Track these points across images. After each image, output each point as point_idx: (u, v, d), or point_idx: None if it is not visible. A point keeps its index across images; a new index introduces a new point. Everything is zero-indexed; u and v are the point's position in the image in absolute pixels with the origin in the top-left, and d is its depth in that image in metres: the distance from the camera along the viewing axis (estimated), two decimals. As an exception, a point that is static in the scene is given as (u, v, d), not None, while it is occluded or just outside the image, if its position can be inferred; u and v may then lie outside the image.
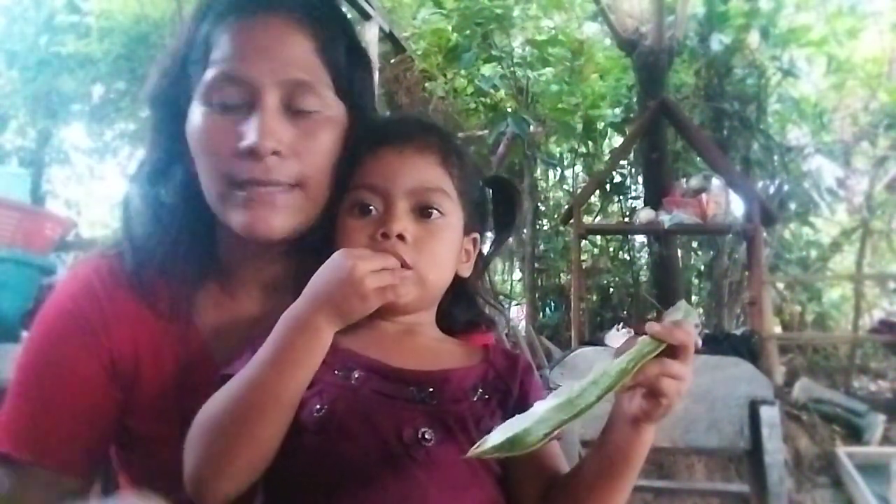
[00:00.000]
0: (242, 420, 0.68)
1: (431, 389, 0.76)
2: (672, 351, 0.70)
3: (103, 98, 8.87)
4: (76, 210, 8.80)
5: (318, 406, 0.73)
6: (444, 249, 0.84)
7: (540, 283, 7.26)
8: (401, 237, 0.79)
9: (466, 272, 0.90)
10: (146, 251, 0.89)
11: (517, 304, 7.41)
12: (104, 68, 8.11)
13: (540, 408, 0.64)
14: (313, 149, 0.85)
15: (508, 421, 0.64)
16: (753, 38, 6.70)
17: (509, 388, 0.80)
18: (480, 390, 0.79)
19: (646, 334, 0.71)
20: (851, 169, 7.65)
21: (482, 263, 0.95)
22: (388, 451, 0.71)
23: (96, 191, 9.69)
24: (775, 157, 6.84)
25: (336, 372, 0.75)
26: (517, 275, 7.42)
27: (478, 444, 0.63)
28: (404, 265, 0.79)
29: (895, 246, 7.97)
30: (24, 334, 1.91)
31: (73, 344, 0.87)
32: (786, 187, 6.90)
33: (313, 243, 0.87)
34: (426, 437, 0.72)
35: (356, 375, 0.76)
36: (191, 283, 0.91)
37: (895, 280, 7.60)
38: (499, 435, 0.62)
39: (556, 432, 0.63)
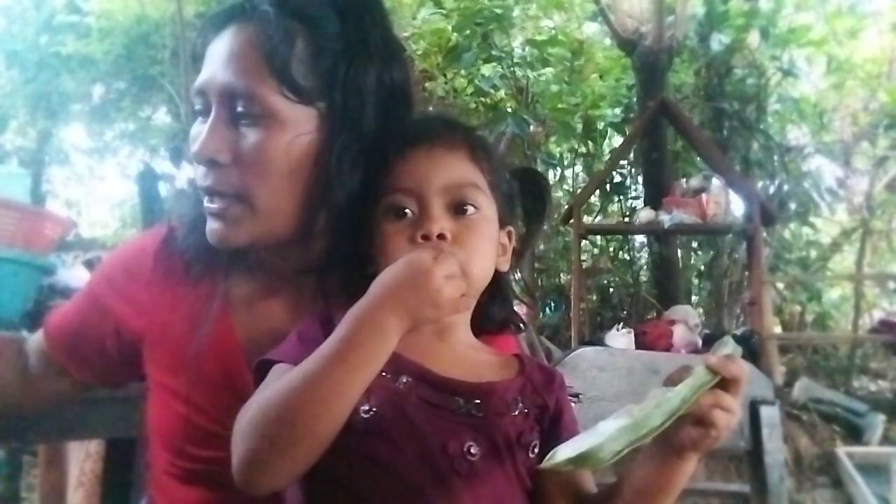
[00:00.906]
0: (305, 413, 0.67)
1: (478, 402, 0.76)
2: (724, 384, 0.72)
3: (103, 98, 8.88)
4: (76, 210, 8.83)
5: (365, 407, 0.72)
6: (484, 244, 0.83)
7: (540, 283, 7.26)
8: (441, 237, 0.79)
9: (504, 266, 0.90)
10: (191, 236, 0.96)
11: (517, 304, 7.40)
12: (104, 68, 8.12)
13: (607, 427, 0.66)
14: (256, 158, 0.84)
15: (577, 437, 0.66)
16: (753, 38, 6.70)
17: (546, 403, 0.81)
18: (520, 404, 0.79)
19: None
20: (851, 169, 7.65)
21: (516, 257, 0.94)
22: (433, 462, 0.71)
23: (96, 191, 9.71)
24: (775, 157, 6.84)
25: (384, 374, 0.74)
26: (517, 275, 7.41)
27: (549, 456, 0.65)
28: None
29: (895, 246, 7.98)
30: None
31: (101, 301, 1.02)
32: (786, 187, 6.90)
33: (320, 238, 0.89)
34: (472, 451, 0.73)
35: (404, 380, 0.76)
36: (226, 266, 0.96)
37: (895, 280, 7.60)
38: (570, 449, 0.64)
39: (624, 451, 0.65)
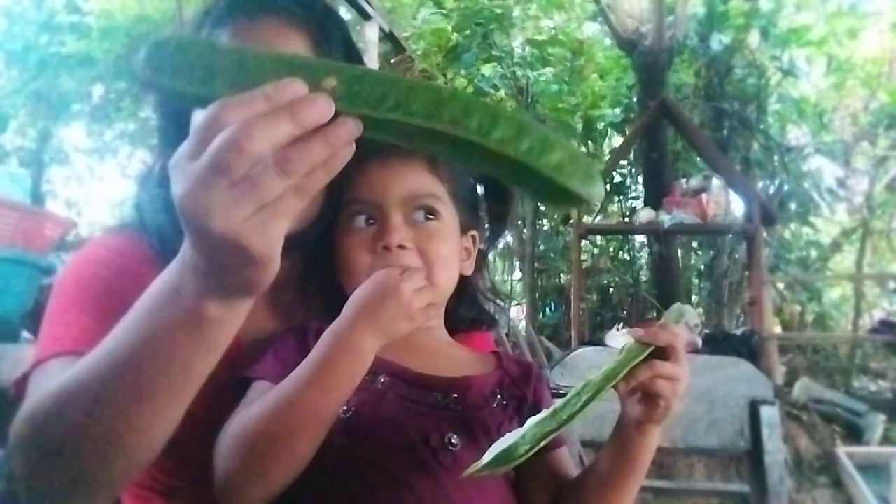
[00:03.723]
0: (283, 438, 0.68)
1: (455, 395, 0.79)
2: (662, 353, 0.74)
3: (103, 98, 8.89)
4: (76, 210, 8.83)
5: (344, 408, 0.74)
6: (445, 251, 0.84)
7: (540, 283, 7.27)
8: (401, 247, 0.81)
9: (469, 270, 0.91)
10: (164, 241, 0.87)
11: (517, 304, 7.42)
12: (104, 68, 8.12)
13: (528, 423, 0.68)
14: None
15: (500, 440, 0.68)
16: (753, 38, 6.71)
17: (524, 394, 0.84)
18: (499, 396, 0.82)
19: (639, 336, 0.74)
20: (851, 169, 7.66)
21: (481, 259, 0.96)
22: (416, 455, 0.73)
23: (96, 191, 9.73)
24: (775, 157, 6.85)
25: None
26: (517, 275, 7.43)
27: (473, 465, 0.66)
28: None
29: (895, 246, 7.98)
30: (25, 334, 1.91)
31: (119, 274, 0.85)
32: (786, 187, 6.91)
33: (310, 243, 0.87)
34: (453, 442, 0.75)
35: (382, 380, 0.77)
36: None
37: (895, 280, 7.60)
38: (489, 454, 0.66)
39: (542, 443, 0.66)
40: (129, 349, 0.60)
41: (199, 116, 0.59)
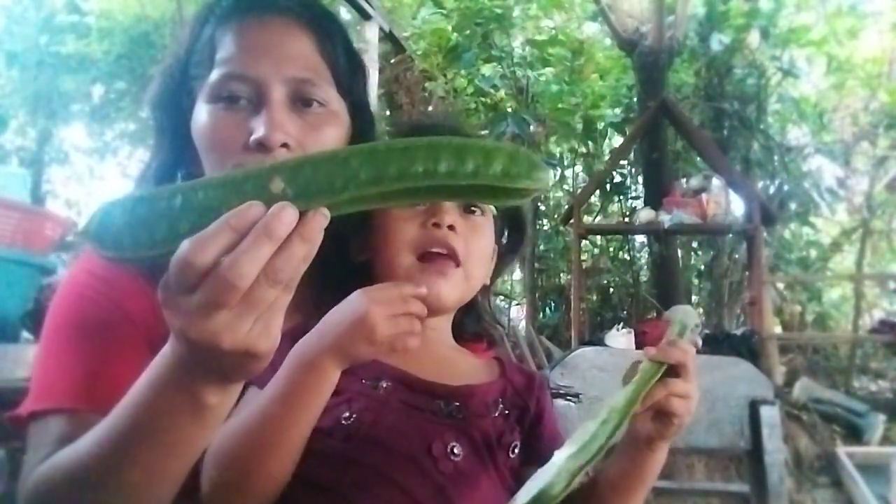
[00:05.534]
0: (254, 452, 0.68)
1: (458, 404, 0.78)
2: (673, 369, 0.75)
3: (103, 98, 8.89)
4: (76, 210, 8.81)
5: (346, 414, 0.73)
6: (486, 245, 0.87)
7: (540, 283, 7.26)
8: (451, 228, 0.83)
9: (488, 279, 0.93)
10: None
11: (517, 304, 7.42)
12: (104, 68, 8.13)
13: (559, 458, 0.66)
14: (319, 142, 0.87)
15: (532, 477, 0.66)
16: (753, 38, 6.70)
17: (527, 404, 0.84)
18: (501, 406, 0.81)
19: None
20: (851, 169, 7.66)
21: (490, 281, 0.97)
22: (417, 462, 0.73)
23: (96, 191, 9.69)
24: (775, 157, 6.85)
25: (363, 381, 0.76)
26: (517, 275, 7.42)
27: None
28: (455, 259, 0.82)
29: (895, 246, 7.98)
30: (25, 334, 1.91)
31: (106, 308, 0.85)
32: (786, 187, 6.91)
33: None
34: (455, 451, 0.74)
35: (384, 385, 0.77)
36: None
37: (895, 280, 7.60)
38: (525, 494, 0.64)
39: (576, 479, 0.65)
40: (133, 434, 0.62)
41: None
